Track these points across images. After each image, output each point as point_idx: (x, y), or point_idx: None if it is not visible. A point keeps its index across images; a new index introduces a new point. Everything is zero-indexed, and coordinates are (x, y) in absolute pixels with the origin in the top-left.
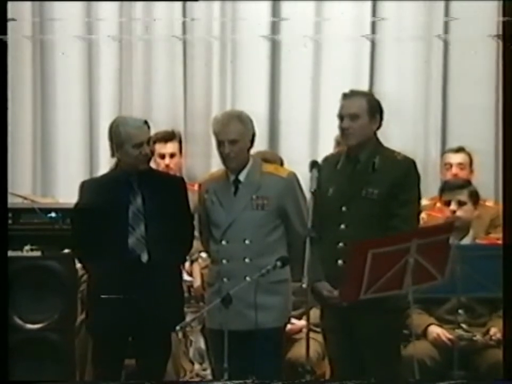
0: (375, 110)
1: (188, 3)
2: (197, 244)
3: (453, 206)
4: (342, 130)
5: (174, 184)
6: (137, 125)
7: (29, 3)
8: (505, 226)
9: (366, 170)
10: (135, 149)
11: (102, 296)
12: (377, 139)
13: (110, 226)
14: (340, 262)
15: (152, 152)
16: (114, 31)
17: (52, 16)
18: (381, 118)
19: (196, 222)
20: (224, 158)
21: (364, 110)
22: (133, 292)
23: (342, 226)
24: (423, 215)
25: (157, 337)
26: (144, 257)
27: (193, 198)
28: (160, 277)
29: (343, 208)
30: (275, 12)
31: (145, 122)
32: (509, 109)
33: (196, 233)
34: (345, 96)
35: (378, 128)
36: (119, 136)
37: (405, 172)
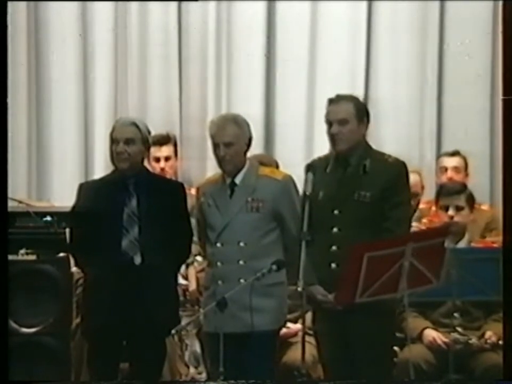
0: (363, 114)
1: (183, 5)
2: (192, 248)
3: (451, 212)
4: (331, 136)
5: (171, 189)
6: (122, 123)
7: (23, 4)
8: (505, 229)
9: (357, 173)
10: (112, 144)
11: (96, 298)
12: (366, 142)
13: (104, 229)
14: (333, 265)
15: (144, 155)
16: (109, 33)
17: (46, 17)
18: (368, 121)
19: (194, 226)
20: (219, 160)
21: (352, 114)
22: (126, 295)
23: (335, 229)
24: (424, 220)
25: (150, 340)
26: (137, 260)
27: (189, 202)
28: (154, 280)
29: (335, 212)
30: (270, 14)
31: (135, 123)
32: (508, 111)
33: (194, 237)
34: (331, 101)
35: (366, 130)
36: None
37: (397, 174)
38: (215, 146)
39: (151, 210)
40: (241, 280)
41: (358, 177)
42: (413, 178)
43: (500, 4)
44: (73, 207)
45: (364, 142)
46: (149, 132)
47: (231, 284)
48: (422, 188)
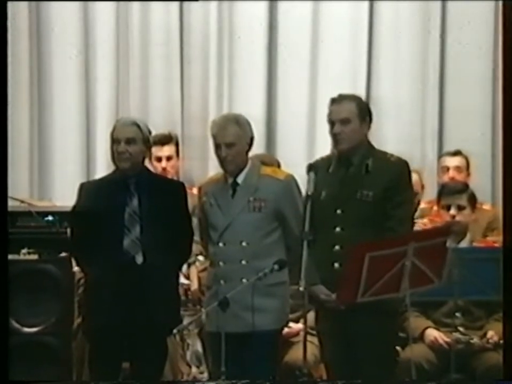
0: (365, 113)
1: (185, 5)
2: (194, 247)
3: (453, 211)
4: (334, 135)
5: (172, 189)
6: (122, 122)
7: (25, 4)
8: (505, 228)
9: (360, 173)
10: (113, 144)
11: (98, 298)
12: (369, 141)
13: (106, 228)
14: (336, 265)
15: (145, 155)
16: (111, 34)
17: (48, 19)
18: (371, 120)
19: (196, 225)
20: (221, 161)
21: (354, 114)
22: (127, 294)
23: (338, 229)
24: (425, 220)
25: (152, 339)
26: (139, 259)
27: (190, 201)
28: (155, 279)
29: (338, 211)
30: (272, 14)
31: (136, 123)
32: (508, 111)
33: (195, 237)
34: (333, 101)
35: (368, 130)
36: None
37: (399, 173)
38: (217, 146)
39: (152, 209)
40: (244, 280)
41: (361, 176)
42: (412, 178)
43: (501, 3)
44: (74, 207)
45: (366, 141)
46: (150, 132)
47: (233, 284)
48: (422, 187)
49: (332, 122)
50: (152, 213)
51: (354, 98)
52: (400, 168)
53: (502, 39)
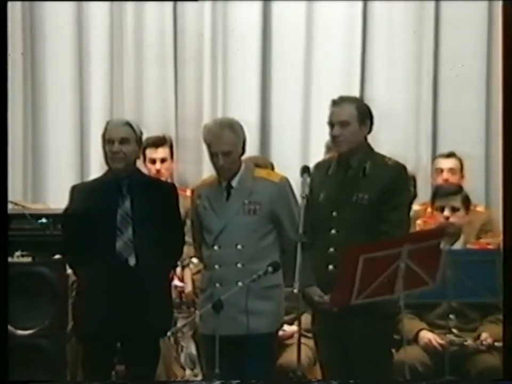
0: (365, 116)
1: (179, 7)
2: (188, 250)
3: (447, 212)
4: (333, 137)
5: (164, 190)
6: (115, 123)
7: (19, 6)
8: (505, 231)
9: (357, 176)
10: (107, 145)
11: (91, 300)
12: (368, 144)
13: (98, 230)
14: (330, 267)
15: (138, 155)
16: (105, 36)
17: (42, 21)
18: (371, 123)
19: (189, 228)
20: (217, 169)
21: (353, 117)
22: (120, 296)
23: (333, 231)
24: (418, 221)
25: (144, 341)
26: (132, 261)
27: (184, 203)
28: (148, 281)
29: (334, 214)
30: (266, 17)
31: (128, 123)
32: (508, 112)
33: (188, 238)
34: (334, 103)
35: (368, 133)
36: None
37: (395, 177)
38: (213, 155)
39: (144, 211)
40: (239, 283)
41: (358, 179)
42: None
43: (496, 4)
44: (66, 209)
45: (366, 144)
46: (141, 132)
47: (229, 287)
48: None
49: (331, 124)
50: (144, 214)
51: (354, 100)
52: (397, 172)
53: (502, 40)
